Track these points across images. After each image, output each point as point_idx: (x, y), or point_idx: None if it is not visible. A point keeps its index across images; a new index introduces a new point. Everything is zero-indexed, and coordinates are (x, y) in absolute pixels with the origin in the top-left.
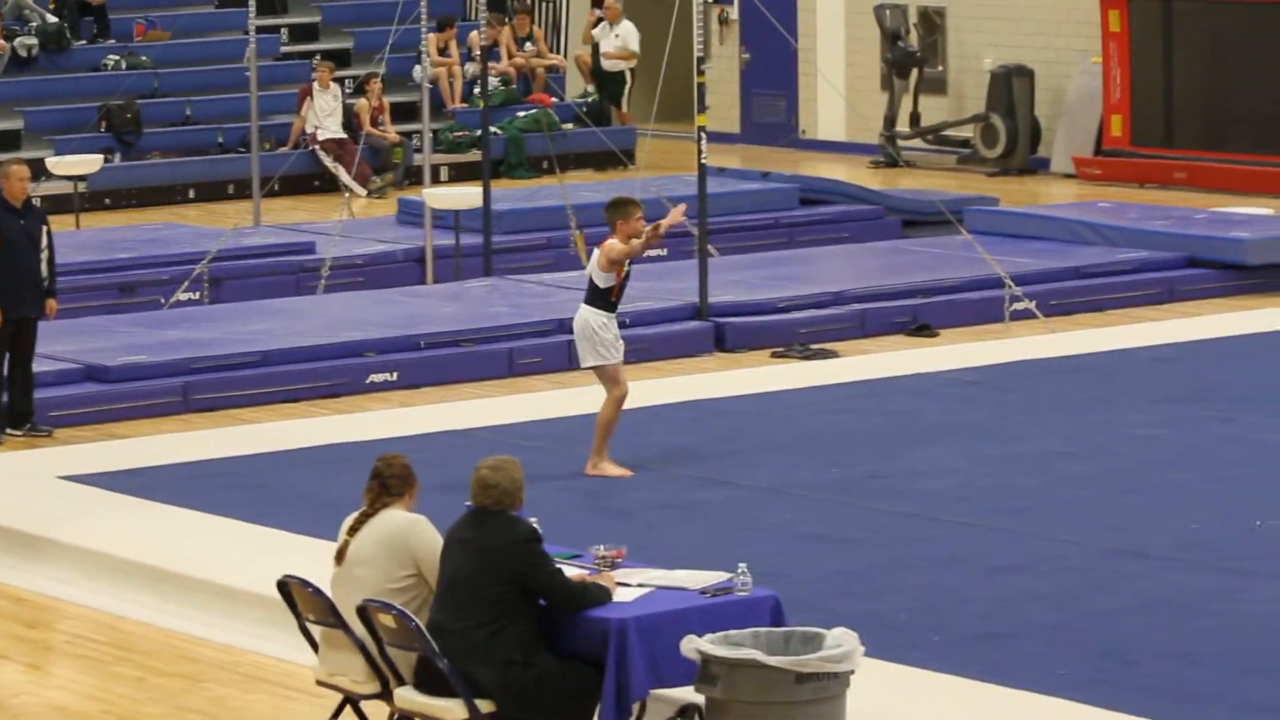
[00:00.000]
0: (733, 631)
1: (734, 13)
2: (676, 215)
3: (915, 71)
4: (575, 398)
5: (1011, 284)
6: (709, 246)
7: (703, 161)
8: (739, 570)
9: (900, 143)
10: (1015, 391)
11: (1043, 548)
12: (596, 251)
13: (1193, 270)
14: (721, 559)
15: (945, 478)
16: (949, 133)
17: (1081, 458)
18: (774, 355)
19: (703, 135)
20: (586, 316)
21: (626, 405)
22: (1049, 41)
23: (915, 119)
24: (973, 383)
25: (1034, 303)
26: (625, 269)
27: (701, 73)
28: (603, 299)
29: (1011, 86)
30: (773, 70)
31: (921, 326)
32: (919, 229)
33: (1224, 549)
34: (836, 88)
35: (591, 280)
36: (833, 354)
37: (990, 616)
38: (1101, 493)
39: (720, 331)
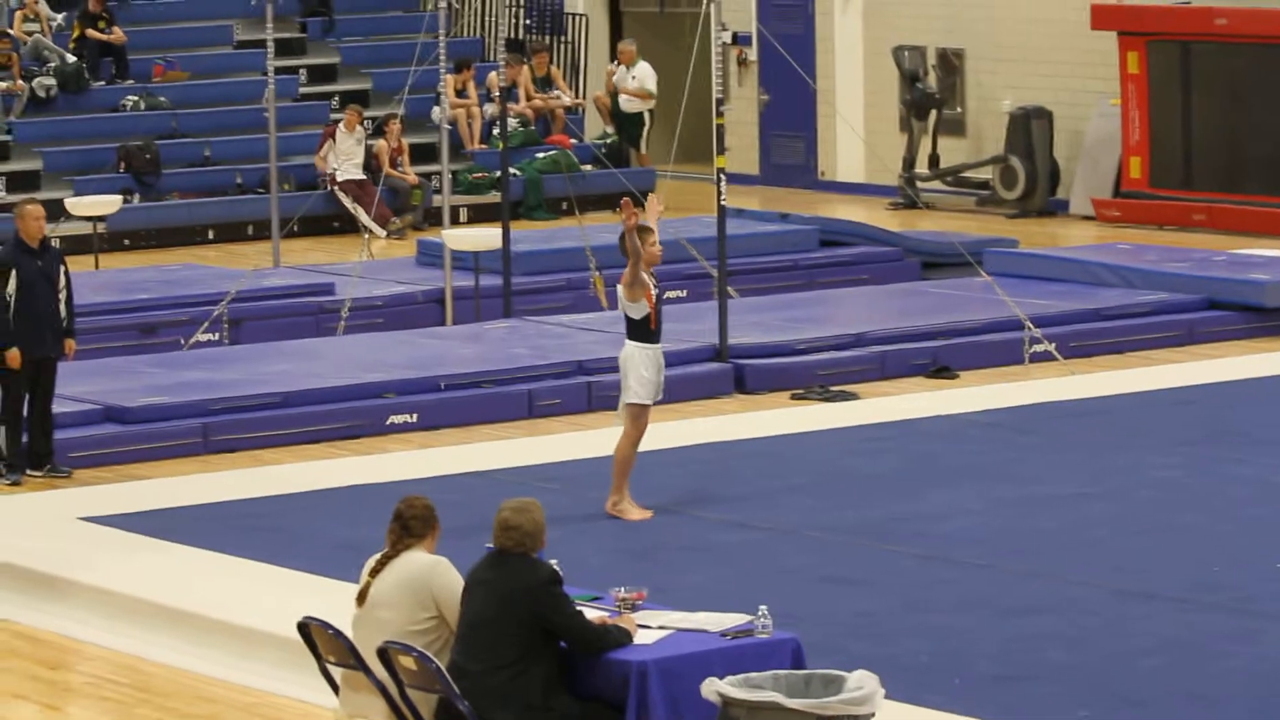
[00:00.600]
0: (753, 674)
1: (753, 54)
2: (654, 207)
3: (934, 113)
4: (594, 440)
5: (1031, 326)
6: (729, 288)
7: (722, 203)
8: (759, 613)
9: (919, 184)
10: (1034, 434)
11: (1060, 590)
12: (619, 288)
13: (1212, 313)
14: (742, 601)
15: (963, 520)
16: (968, 174)
17: (1100, 499)
18: (794, 397)
19: (722, 177)
20: (631, 350)
21: (648, 446)
22: (1067, 83)
23: (934, 160)
24: (992, 425)
25: (1054, 345)
26: (654, 292)
27: (720, 114)
28: (642, 331)
29: (1030, 128)
30: (792, 112)
31: (941, 369)
32: (938, 271)
33: (1241, 592)
34: (855, 129)
35: (627, 316)
36: (853, 396)
37: (1007, 659)
38: (1119, 535)
39: (740, 373)
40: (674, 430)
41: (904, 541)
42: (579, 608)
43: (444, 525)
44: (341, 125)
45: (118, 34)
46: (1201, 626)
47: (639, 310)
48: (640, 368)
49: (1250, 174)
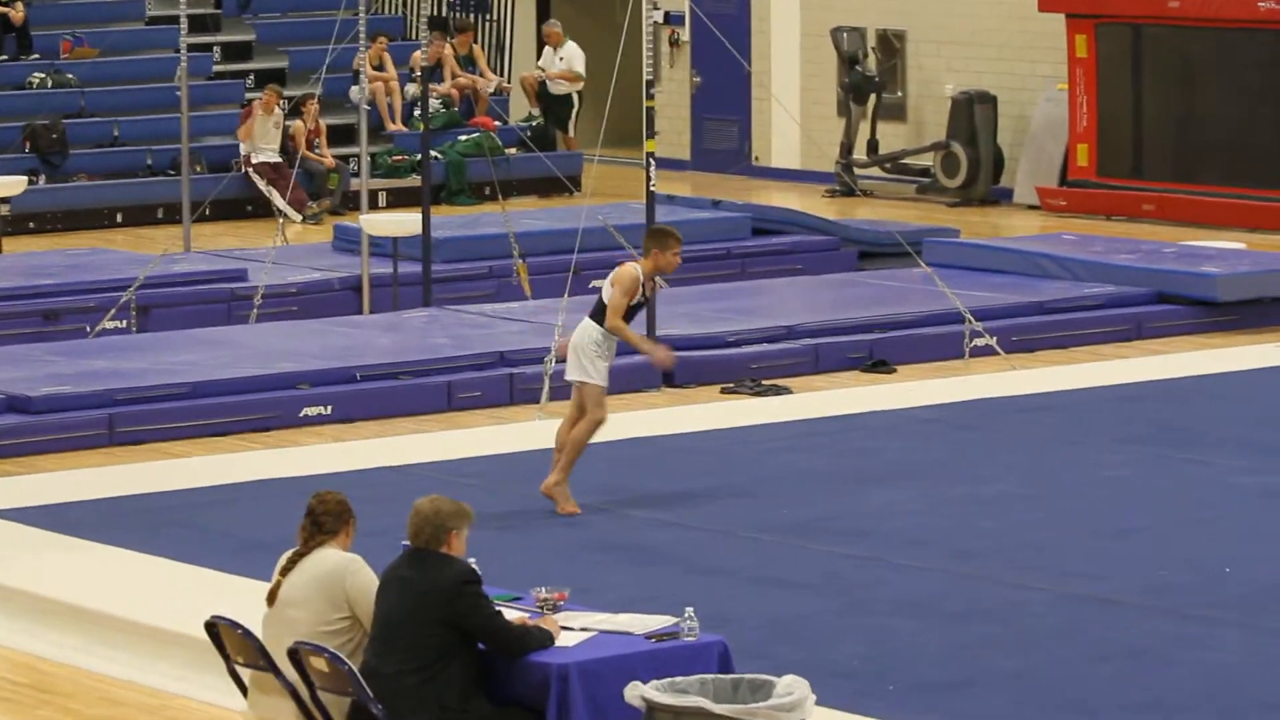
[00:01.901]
0: (679, 678)
1: (685, 35)
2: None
3: (873, 97)
4: (516, 433)
5: (972, 319)
6: (657, 277)
7: (651, 189)
8: (686, 615)
9: (857, 171)
10: (975, 431)
11: (1003, 593)
12: (612, 274)
13: (1161, 306)
14: (668, 603)
15: (902, 520)
16: (908, 161)
17: (1044, 500)
18: (724, 391)
19: (652, 162)
20: (587, 329)
21: None
22: (1013, 67)
23: (873, 146)
24: (931, 421)
25: (995, 339)
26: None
27: (651, 97)
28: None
29: (973, 113)
30: (725, 95)
31: (878, 363)
32: (876, 261)
33: (1193, 596)
34: (791, 113)
35: (600, 298)
36: (785, 390)
37: (948, 664)
38: (1065, 536)
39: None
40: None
41: (839, 542)
42: (498, 608)
43: (360, 521)
44: (259, 107)
45: (19, 10)
46: (1153, 632)
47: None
48: (593, 346)
49: (1202, 163)
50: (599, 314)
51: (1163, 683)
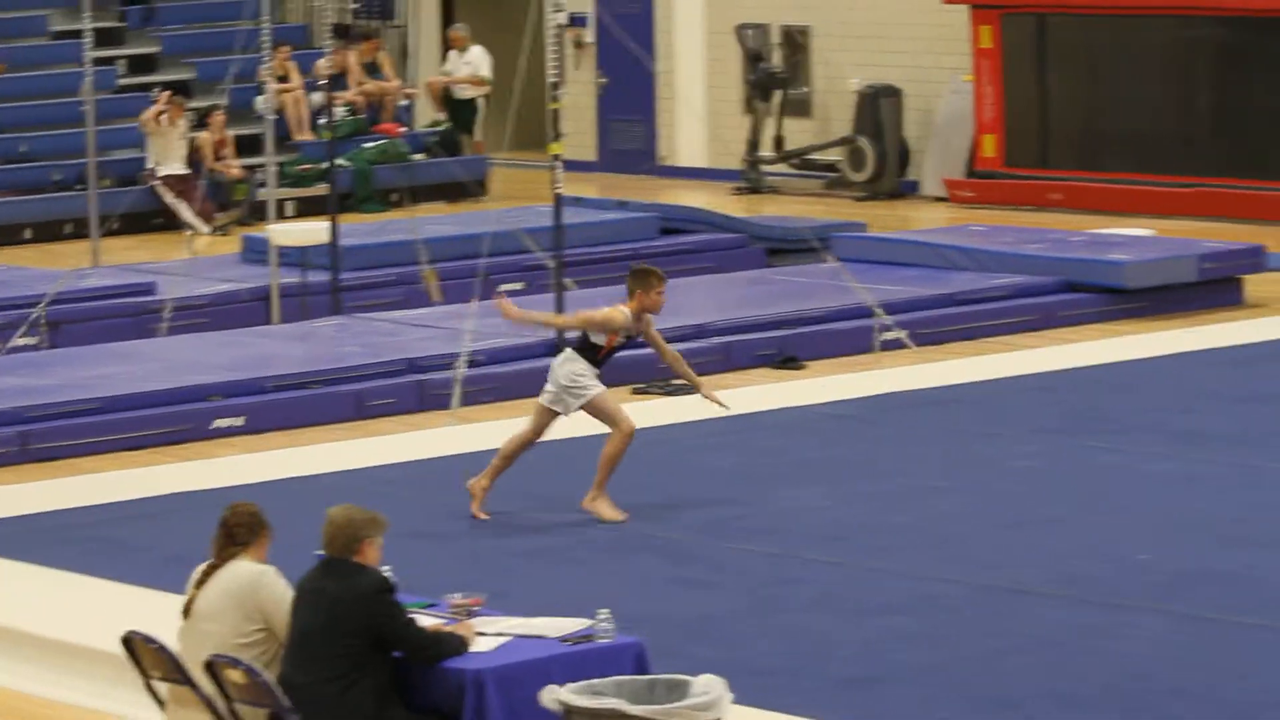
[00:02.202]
0: (595, 680)
1: (590, 36)
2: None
3: (779, 93)
4: (428, 440)
5: (881, 313)
6: (567, 279)
7: (558, 191)
8: (601, 617)
9: (764, 168)
10: (887, 425)
11: (918, 587)
12: (606, 309)
13: (1070, 295)
14: (583, 605)
15: (815, 516)
16: (815, 156)
17: (957, 492)
18: (636, 391)
19: (558, 164)
20: (567, 362)
21: (481, 446)
22: (917, 60)
23: (779, 143)
24: (843, 416)
25: (905, 332)
26: (617, 340)
27: (556, 99)
28: (590, 352)
29: (879, 107)
30: (630, 95)
31: (788, 359)
32: (785, 257)
33: (1108, 585)
34: (696, 112)
35: (586, 335)
36: (696, 390)
37: (864, 660)
38: (978, 528)
39: None
40: (511, 429)
41: (753, 540)
42: (412, 616)
43: (274, 532)
44: (165, 116)
45: None
46: (1068, 622)
47: (597, 339)
48: (569, 380)
49: (1109, 151)
50: (583, 346)
51: (1078, 672)
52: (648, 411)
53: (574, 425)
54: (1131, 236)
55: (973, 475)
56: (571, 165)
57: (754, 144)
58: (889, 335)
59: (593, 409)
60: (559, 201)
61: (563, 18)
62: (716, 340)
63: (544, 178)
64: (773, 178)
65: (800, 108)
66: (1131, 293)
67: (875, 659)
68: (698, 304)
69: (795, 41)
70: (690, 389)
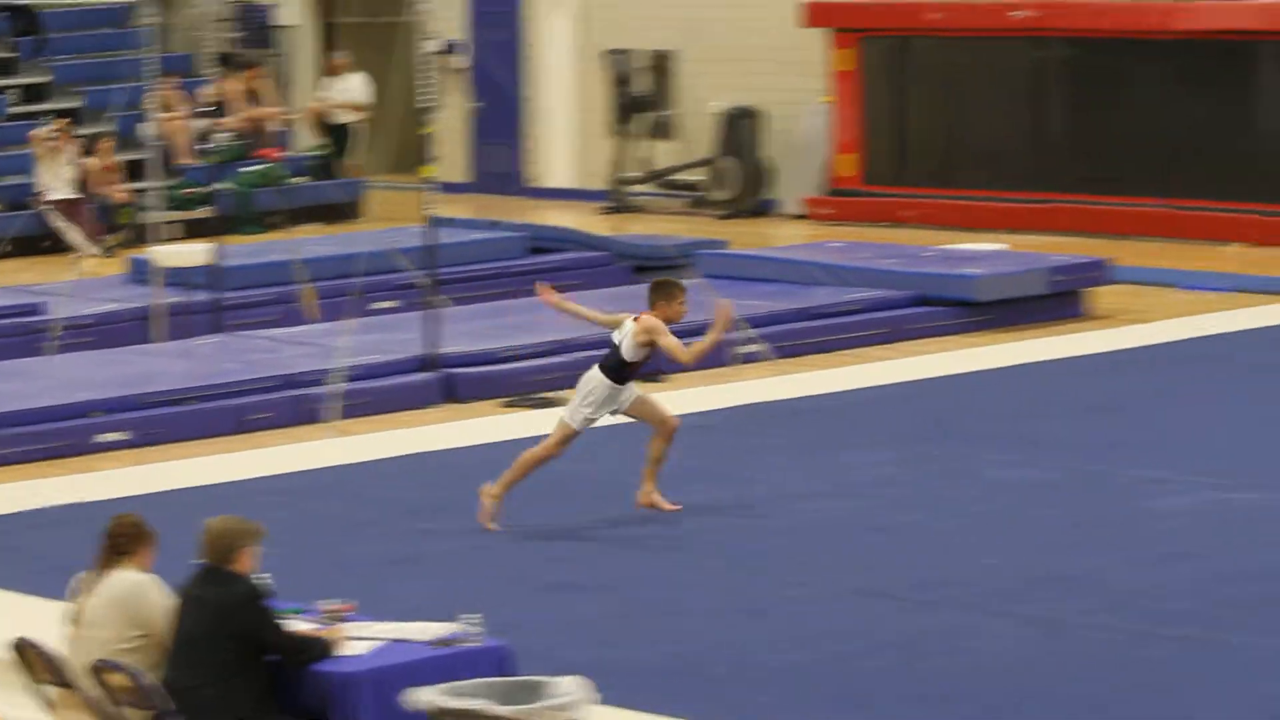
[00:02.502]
0: (462, 682)
1: (462, 62)
2: (724, 315)
3: (644, 116)
4: (306, 452)
5: (743, 326)
6: (439, 297)
7: (431, 212)
8: (470, 620)
9: (630, 188)
10: (748, 435)
11: (782, 591)
12: (630, 323)
13: (923, 308)
14: (454, 610)
15: (676, 523)
16: (679, 176)
17: (817, 499)
18: (504, 405)
19: (431, 185)
20: (594, 378)
21: (357, 458)
22: (778, 82)
23: (645, 164)
24: (705, 427)
25: (766, 345)
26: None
27: (429, 123)
28: (617, 371)
29: (740, 128)
30: (502, 118)
31: (650, 372)
32: (650, 274)
33: (963, 589)
34: (565, 134)
35: (618, 348)
36: (562, 402)
37: (724, 661)
38: (836, 534)
39: (450, 382)
40: (384, 441)
41: (617, 546)
42: (284, 621)
43: (156, 542)
44: (55, 142)
45: None
46: (925, 625)
47: (634, 354)
48: (589, 394)
49: (964, 169)
50: (611, 365)
51: (937, 675)
52: (517, 424)
53: (447, 436)
54: (983, 251)
55: (831, 483)
56: (445, 187)
57: (620, 165)
58: (750, 348)
59: (631, 411)
60: (432, 222)
61: (436, 45)
62: (580, 355)
63: (418, 199)
64: (638, 197)
65: (665, 130)
66: (983, 305)
67: (738, 660)
68: (565, 321)
69: (661, 66)
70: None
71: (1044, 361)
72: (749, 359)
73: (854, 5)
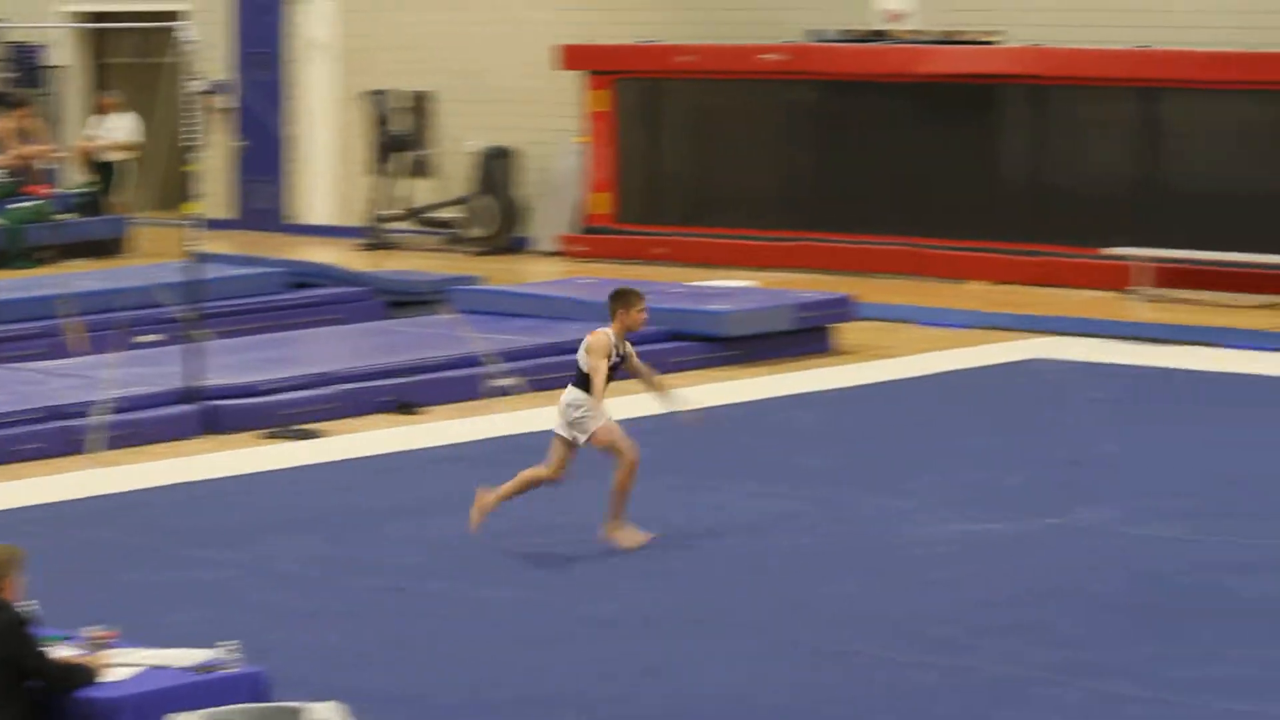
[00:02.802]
0: (221, 708)
1: (227, 101)
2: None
3: (404, 155)
4: (70, 482)
5: (494, 361)
6: (201, 331)
7: (195, 248)
8: (228, 647)
9: (389, 225)
10: (499, 465)
11: (527, 618)
12: (585, 342)
13: (674, 344)
14: (215, 638)
15: (429, 553)
16: (437, 214)
17: (565, 527)
18: (264, 436)
19: (195, 222)
20: (571, 394)
21: (118, 488)
22: (535, 122)
23: (403, 201)
24: (456, 459)
25: (519, 379)
26: (615, 360)
27: (193, 161)
28: (585, 383)
29: (496, 167)
30: (265, 157)
31: (405, 405)
32: (407, 309)
33: (710, 617)
34: (325, 172)
35: (578, 365)
36: (321, 434)
37: (477, 687)
38: (580, 560)
39: (211, 414)
40: (145, 472)
41: (373, 574)
42: (49, 648)
43: None
44: None
45: None
46: (672, 650)
47: (585, 365)
48: (570, 408)
49: (714, 207)
50: (578, 381)
51: (680, 701)
52: (276, 455)
53: (207, 467)
54: (732, 288)
55: (579, 514)
56: (209, 223)
57: (379, 202)
58: (502, 382)
59: (596, 442)
60: (195, 257)
61: (201, 85)
62: (340, 388)
63: (183, 235)
64: (396, 234)
65: (423, 168)
66: (732, 340)
67: (487, 686)
68: (322, 354)
69: (420, 106)
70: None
71: (791, 395)
72: (502, 392)
73: (608, 48)
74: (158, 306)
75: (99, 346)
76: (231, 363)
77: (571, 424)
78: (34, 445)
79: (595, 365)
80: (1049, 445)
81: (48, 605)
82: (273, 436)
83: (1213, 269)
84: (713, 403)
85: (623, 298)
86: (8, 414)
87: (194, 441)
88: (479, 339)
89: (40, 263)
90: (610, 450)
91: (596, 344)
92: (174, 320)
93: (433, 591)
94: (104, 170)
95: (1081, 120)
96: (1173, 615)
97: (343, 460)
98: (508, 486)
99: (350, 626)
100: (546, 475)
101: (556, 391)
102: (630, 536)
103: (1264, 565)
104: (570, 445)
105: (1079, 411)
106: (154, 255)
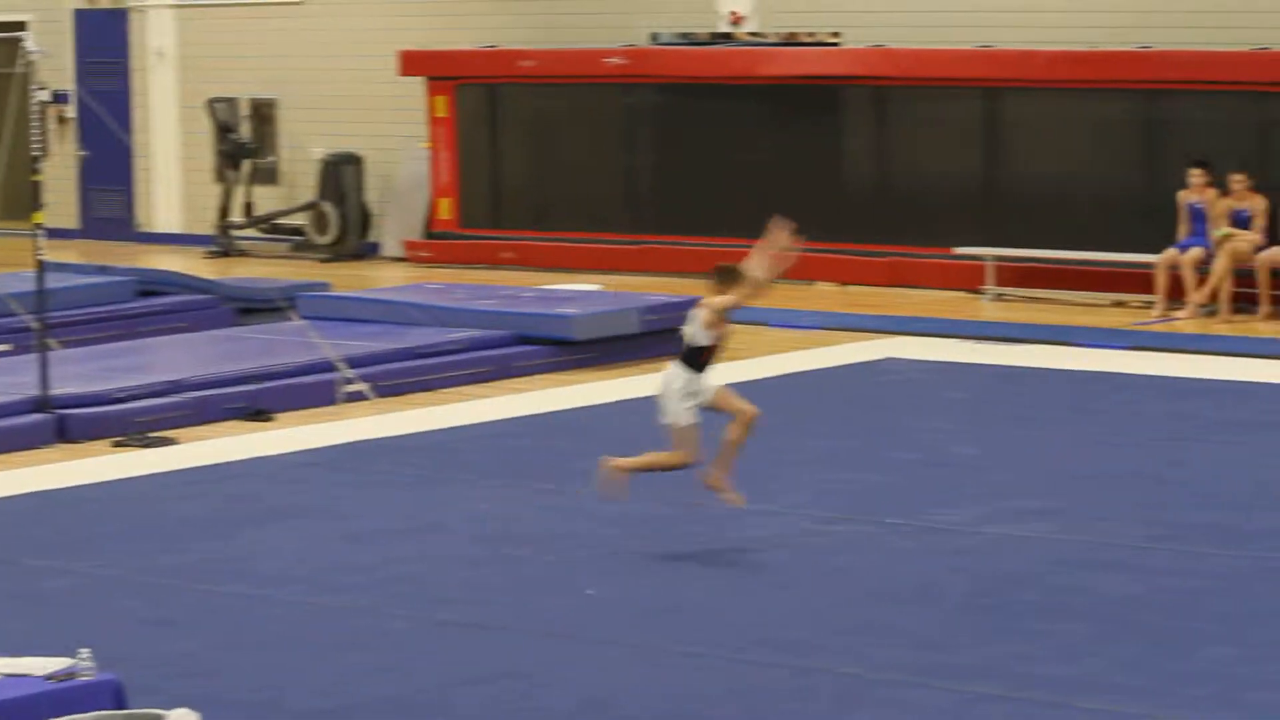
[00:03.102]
0: (76, 715)
1: (71, 111)
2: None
3: (248, 162)
4: None
5: (343, 366)
6: (50, 340)
7: (40, 258)
8: (81, 656)
9: (235, 232)
10: (349, 471)
11: (379, 624)
12: (699, 311)
13: (522, 348)
14: (67, 646)
15: (282, 559)
16: (283, 221)
17: (418, 534)
18: (115, 445)
19: (41, 231)
20: (675, 382)
21: None
22: (378, 128)
23: (249, 209)
24: (308, 465)
25: (368, 384)
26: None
27: (37, 171)
28: (693, 359)
29: (341, 174)
30: (111, 166)
31: (257, 411)
32: (255, 316)
33: (565, 619)
34: (171, 181)
35: (688, 341)
36: (171, 441)
37: (332, 693)
38: (436, 567)
39: (62, 423)
40: None
41: (224, 581)
42: None
43: None
44: None
45: None
46: (529, 654)
47: (707, 339)
48: (679, 387)
49: (559, 211)
50: (687, 356)
51: (537, 702)
52: (126, 463)
53: (57, 476)
54: (579, 291)
55: (434, 518)
56: (55, 233)
57: (225, 210)
58: (352, 388)
59: (672, 431)
60: (42, 267)
61: (46, 95)
62: (189, 395)
63: (29, 245)
64: (243, 242)
65: (269, 176)
66: (580, 344)
67: (343, 691)
68: (173, 361)
69: (263, 114)
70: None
71: (640, 398)
72: (351, 398)
73: (449, 53)
74: (6, 316)
75: None
76: (82, 371)
77: (676, 404)
78: None
79: (725, 301)
80: (904, 445)
81: None
82: (124, 445)
83: (1060, 268)
84: (562, 406)
85: (731, 274)
86: None
87: (44, 451)
88: (327, 345)
89: None
90: (727, 409)
91: (711, 300)
92: (23, 330)
93: (286, 597)
94: None
95: (926, 120)
96: (1031, 614)
97: (194, 467)
98: (641, 461)
99: (203, 633)
100: (680, 461)
101: (406, 396)
102: (731, 494)
103: (1122, 564)
104: (693, 425)
105: (933, 411)
106: (3, 265)
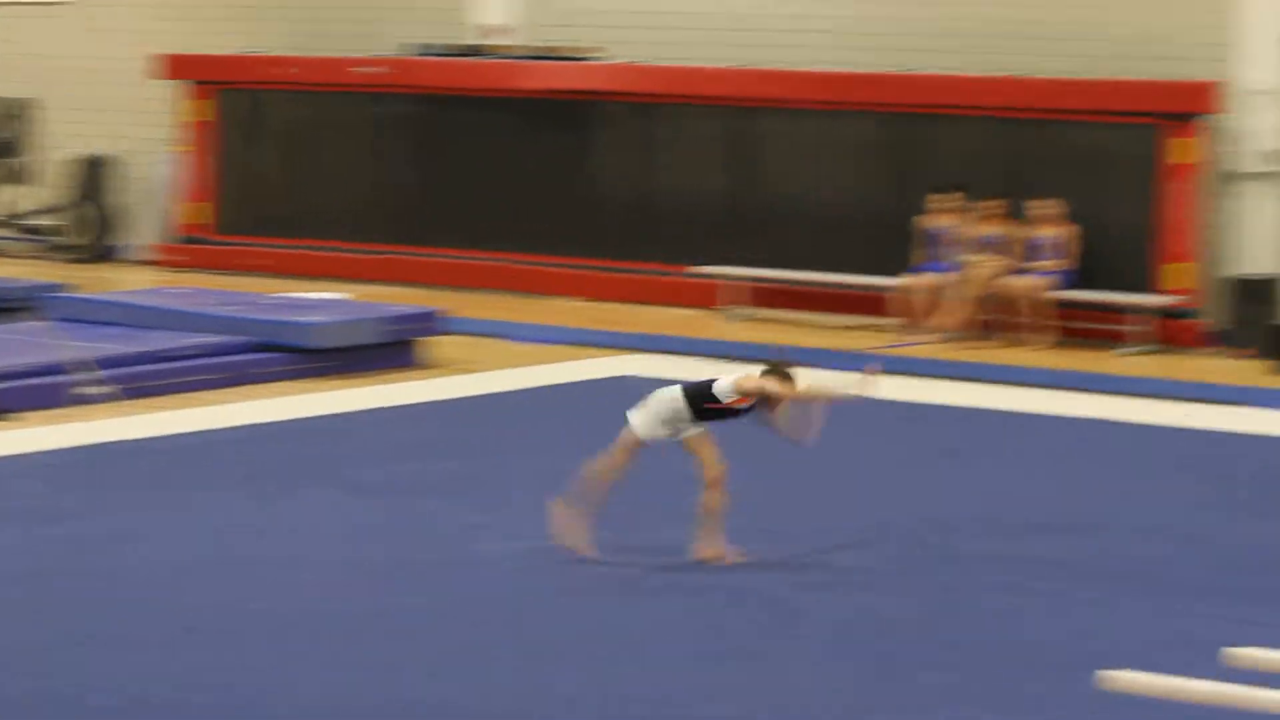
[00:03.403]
0: None
1: None
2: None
3: (4, 161)
4: None
5: (86, 368)
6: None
7: None
8: None
9: None
10: (88, 473)
11: (118, 627)
12: (745, 377)
13: (262, 354)
14: None
15: (7, 560)
16: (36, 220)
17: (153, 538)
18: None
19: None
20: (675, 396)
21: None
22: (134, 130)
23: (3, 208)
24: (48, 465)
25: (110, 387)
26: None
27: None
28: (700, 403)
29: (95, 175)
30: None
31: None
32: (2, 315)
33: (281, 624)
34: None
35: (709, 387)
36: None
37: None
38: (178, 572)
39: None
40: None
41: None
42: None
43: None
44: None
45: None
46: (246, 658)
47: (725, 396)
48: (672, 415)
49: (313, 219)
50: (695, 396)
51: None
52: None
53: None
54: (322, 300)
55: (169, 520)
56: None
57: None
58: (93, 390)
59: (691, 443)
60: None
61: None
62: None
63: None
64: None
65: (22, 175)
66: (319, 352)
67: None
68: None
69: (18, 113)
70: None
71: (374, 409)
72: (89, 400)
73: (211, 58)
74: None
75: None
76: None
77: (662, 432)
78: None
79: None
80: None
81: None
82: None
83: (803, 289)
84: (298, 414)
85: (784, 373)
86: None
87: None
88: (69, 346)
89: None
90: (697, 455)
91: (762, 382)
92: None
93: (3, 598)
94: None
95: (680, 137)
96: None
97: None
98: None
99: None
100: (719, 471)
101: (150, 399)
102: (732, 555)
103: (835, 584)
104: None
105: None
106: None
